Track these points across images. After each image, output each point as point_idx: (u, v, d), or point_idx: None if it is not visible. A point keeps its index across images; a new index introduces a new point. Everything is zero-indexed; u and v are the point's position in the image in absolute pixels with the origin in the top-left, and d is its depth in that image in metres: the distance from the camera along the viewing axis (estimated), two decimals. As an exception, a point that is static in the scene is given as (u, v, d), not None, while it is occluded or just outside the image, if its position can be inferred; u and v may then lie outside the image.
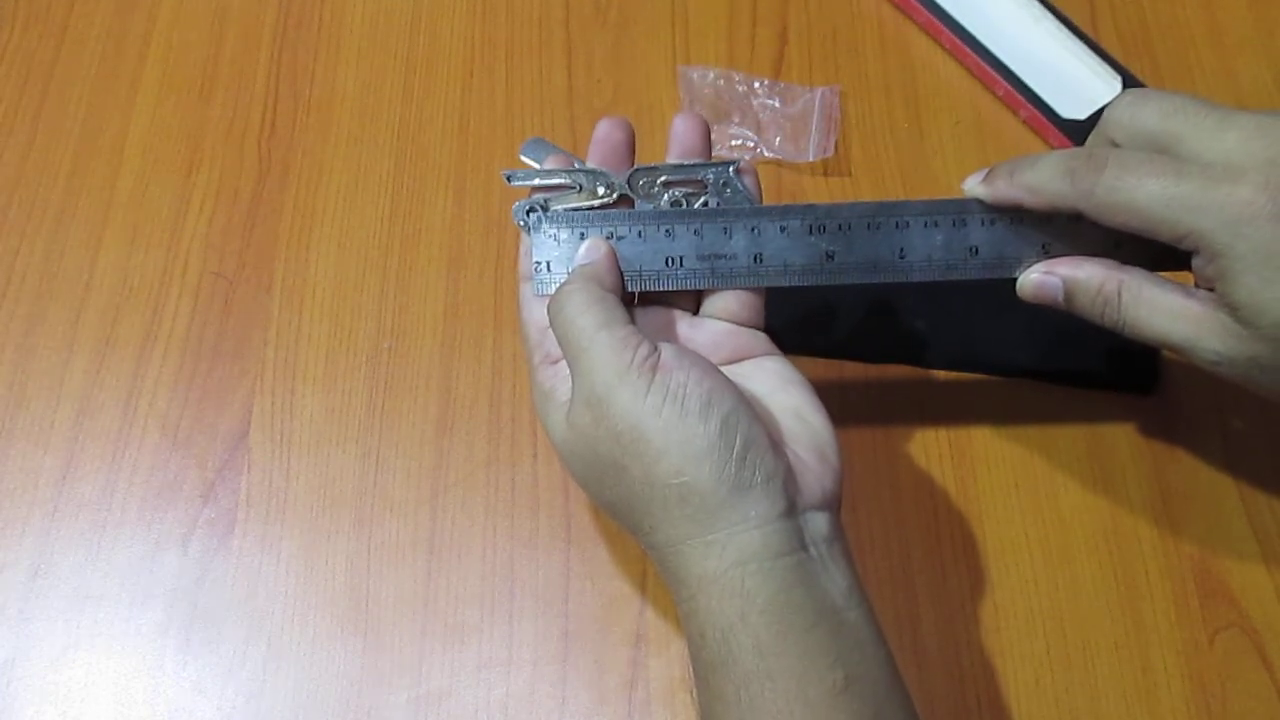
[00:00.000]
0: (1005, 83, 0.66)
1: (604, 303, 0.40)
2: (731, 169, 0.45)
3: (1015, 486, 0.55)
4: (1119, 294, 0.42)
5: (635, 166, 0.45)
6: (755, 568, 0.37)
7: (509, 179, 0.45)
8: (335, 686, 0.50)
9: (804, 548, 0.38)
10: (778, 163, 0.64)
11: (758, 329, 0.46)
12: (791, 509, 0.38)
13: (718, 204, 0.45)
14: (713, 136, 0.64)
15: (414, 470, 0.55)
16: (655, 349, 0.39)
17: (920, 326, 0.60)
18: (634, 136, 0.45)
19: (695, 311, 0.46)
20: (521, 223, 0.45)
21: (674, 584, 0.39)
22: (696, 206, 0.45)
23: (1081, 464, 0.56)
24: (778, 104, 0.65)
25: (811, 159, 0.64)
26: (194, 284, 0.60)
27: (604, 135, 0.45)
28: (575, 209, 0.45)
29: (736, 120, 0.65)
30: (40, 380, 0.57)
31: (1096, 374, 0.58)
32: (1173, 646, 0.52)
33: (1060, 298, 0.44)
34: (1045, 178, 0.42)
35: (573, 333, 0.39)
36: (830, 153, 0.64)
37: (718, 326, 0.45)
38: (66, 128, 0.65)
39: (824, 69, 0.68)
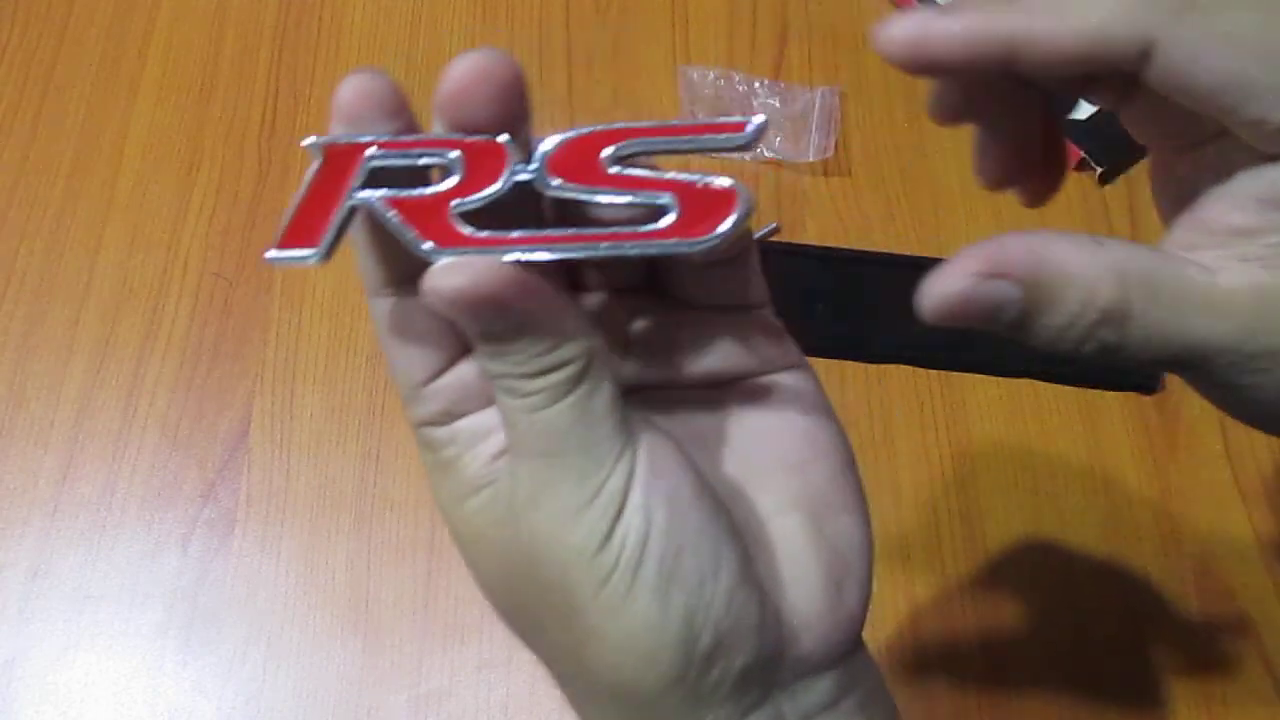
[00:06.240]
0: (1005, 83, 0.66)
1: (585, 387, 0.25)
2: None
3: (1015, 486, 0.55)
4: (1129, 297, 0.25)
5: (570, 131, 0.25)
6: None
7: (314, 146, 0.25)
8: (335, 686, 0.50)
9: None
10: (778, 163, 0.64)
11: (760, 307, 0.29)
12: (768, 695, 0.27)
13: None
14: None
15: (414, 470, 0.55)
16: (631, 463, 0.25)
17: (920, 327, 0.60)
18: (523, 84, 0.25)
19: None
20: (343, 212, 0.25)
21: None
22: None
23: (1081, 464, 0.56)
24: (778, 104, 0.65)
25: (811, 159, 0.64)
26: (194, 284, 0.60)
27: (459, 81, 0.25)
28: (419, 195, 0.25)
29: (736, 120, 0.65)
30: (40, 380, 0.57)
31: (1096, 374, 0.58)
32: (1173, 646, 0.52)
33: (1012, 313, 0.26)
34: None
35: (533, 435, 0.25)
36: (830, 153, 0.64)
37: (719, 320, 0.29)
38: (66, 128, 0.65)
39: (824, 69, 0.68)
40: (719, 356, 0.29)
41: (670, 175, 0.25)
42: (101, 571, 0.53)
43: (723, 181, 0.24)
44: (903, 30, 0.26)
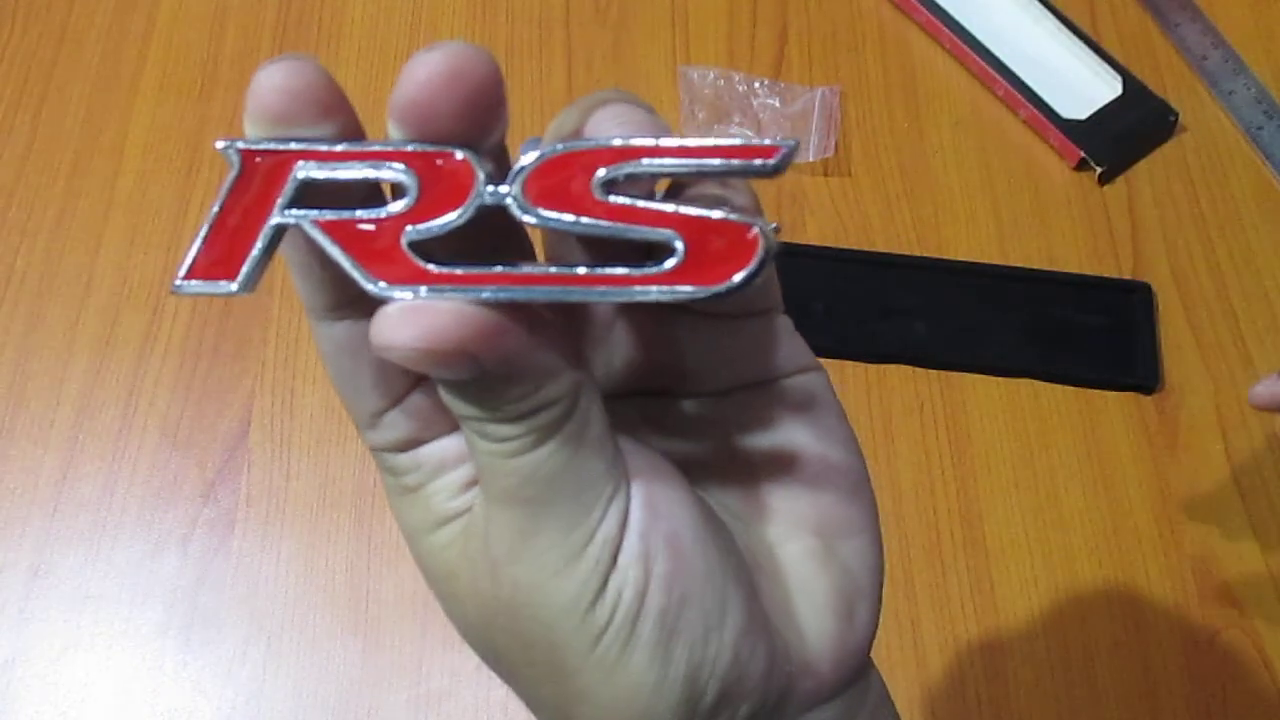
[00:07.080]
0: (1005, 83, 0.66)
1: (569, 433, 0.21)
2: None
3: (1015, 486, 0.55)
4: None
5: (546, 149, 0.20)
6: None
7: (230, 151, 0.22)
8: (335, 686, 0.50)
9: None
10: (778, 163, 0.64)
11: (775, 311, 0.25)
12: None
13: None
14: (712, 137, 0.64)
15: (414, 470, 0.55)
16: (625, 503, 0.22)
17: (920, 326, 0.60)
18: (500, 86, 0.20)
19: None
20: (267, 234, 0.21)
21: None
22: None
23: (1081, 464, 0.56)
24: (778, 104, 0.65)
25: (811, 159, 0.64)
26: (194, 284, 0.60)
27: (424, 84, 0.21)
28: (363, 219, 0.21)
29: (736, 120, 0.65)
30: (40, 380, 0.57)
31: (1096, 374, 0.58)
32: (1173, 646, 0.52)
33: None
34: None
35: (510, 482, 0.22)
36: (830, 153, 0.64)
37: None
38: (66, 128, 0.65)
39: (824, 69, 0.68)
40: (727, 365, 0.25)
41: (676, 208, 0.20)
42: (101, 571, 0.53)
43: (742, 219, 0.20)
44: (1270, 390, 0.47)
